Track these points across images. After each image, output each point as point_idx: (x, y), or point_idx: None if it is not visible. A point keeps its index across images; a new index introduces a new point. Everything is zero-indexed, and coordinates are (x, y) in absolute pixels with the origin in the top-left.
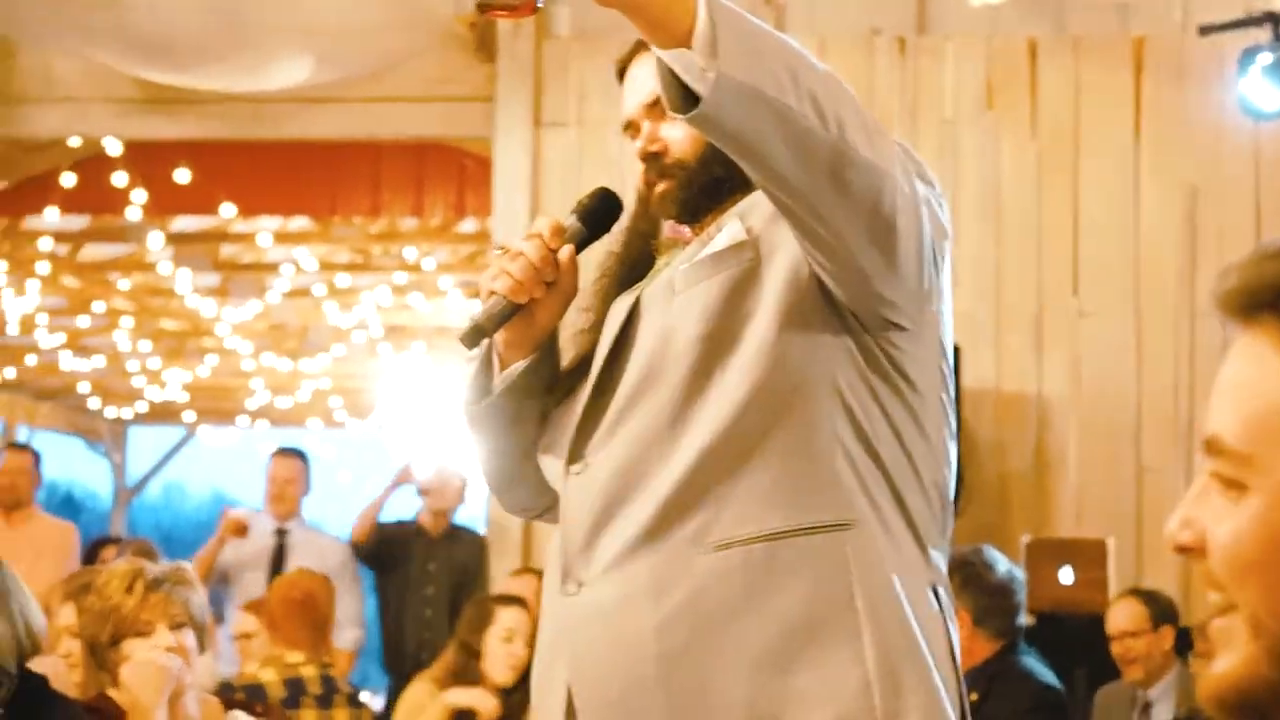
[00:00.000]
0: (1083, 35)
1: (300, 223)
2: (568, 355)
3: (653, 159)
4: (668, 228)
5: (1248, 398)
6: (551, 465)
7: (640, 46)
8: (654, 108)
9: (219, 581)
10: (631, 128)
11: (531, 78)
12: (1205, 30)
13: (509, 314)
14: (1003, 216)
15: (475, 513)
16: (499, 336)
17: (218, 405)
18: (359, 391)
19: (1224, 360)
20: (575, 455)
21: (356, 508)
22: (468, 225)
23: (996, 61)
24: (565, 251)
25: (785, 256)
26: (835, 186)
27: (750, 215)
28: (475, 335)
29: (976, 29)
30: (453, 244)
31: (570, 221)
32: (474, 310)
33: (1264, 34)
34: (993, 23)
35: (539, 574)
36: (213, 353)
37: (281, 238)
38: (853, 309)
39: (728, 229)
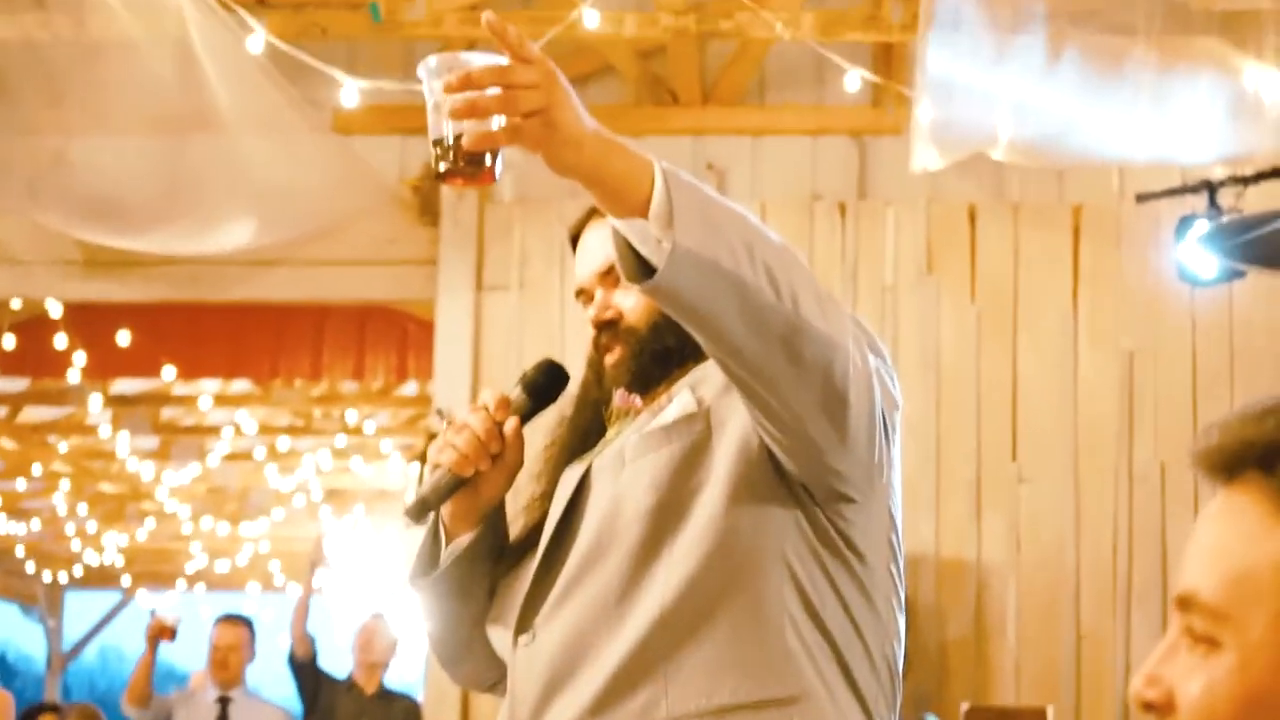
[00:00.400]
0: (1022, 201)
1: (241, 385)
2: (518, 524)
3: (606, 326)
4: (619, 396)
5: (1225, 555)
6: (500, 636)
7: (593, 213)
8: (607, 275)
9: None
10: (584, 295)
11: (474, 241)
12: (1142, 198)
13: (454, 487)
14: (942, 381)
15: (413, 678)
16: (445, 509)
17: (156, 569)
18: (299, 555)
19: (1201, 517)
20: (523, 626)
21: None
22: (409, 388)
23: (936, 226)
24: (510, 424)
25: (735, 428)
26: (788, 358)
27: (701, 386)
28: (421, 510)
29: (916, 194)
30: (394, 407)
31: (516, 394)
32: (418, 484)
33: (1200, 202)
34: (933, 188)
35: None
36: (152, 515)
37: (222, 400)
38: (803, 480)
39: (678, 400)
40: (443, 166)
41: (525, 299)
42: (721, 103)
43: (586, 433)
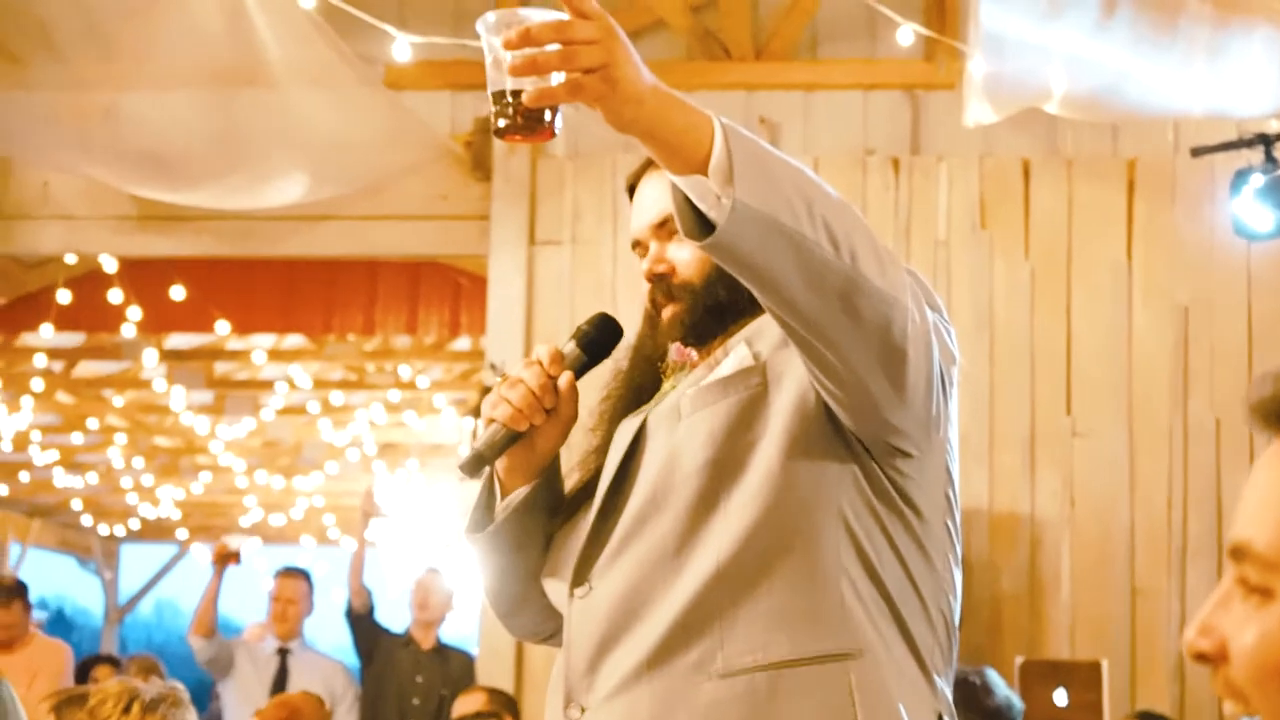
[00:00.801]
0: (1076, 156)
1: (295, 340)
2: (573, 478)
3: (659, 279)
4: (674, 350)
5: (1278, 504)
6: (556, 589)
7: (650, 164)
8: (662, 228)
9: (214, 700)
10: (639, 246)
11: (526, 196)
12: (1197, 152)
13: (509, 442)
14: (995, 336)
15: (469, 632)
16: (500, 463)
17: (211, 522)
18: (352, 509)
19: (1255, 467)
20: (580, 579)
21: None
22: (462, 343)
23: (989, 181)
24: (564, 379)
25: (792, 383)
26: (847, 314)
27: (758, 340)
28: (476, 464)
29: (969, 149)
30: (447, 362)
31: (570, 348)
32: (473, 439)
33: (1256, 156)
34: (986, 143)
35: (488, 691)
36: (206, 469)
37: (276, 355)
38: (860, 436)
39: (735, 354)
40: (502, 122)
41: (577, 254)
42: (774, 57)
43: (641, 387)
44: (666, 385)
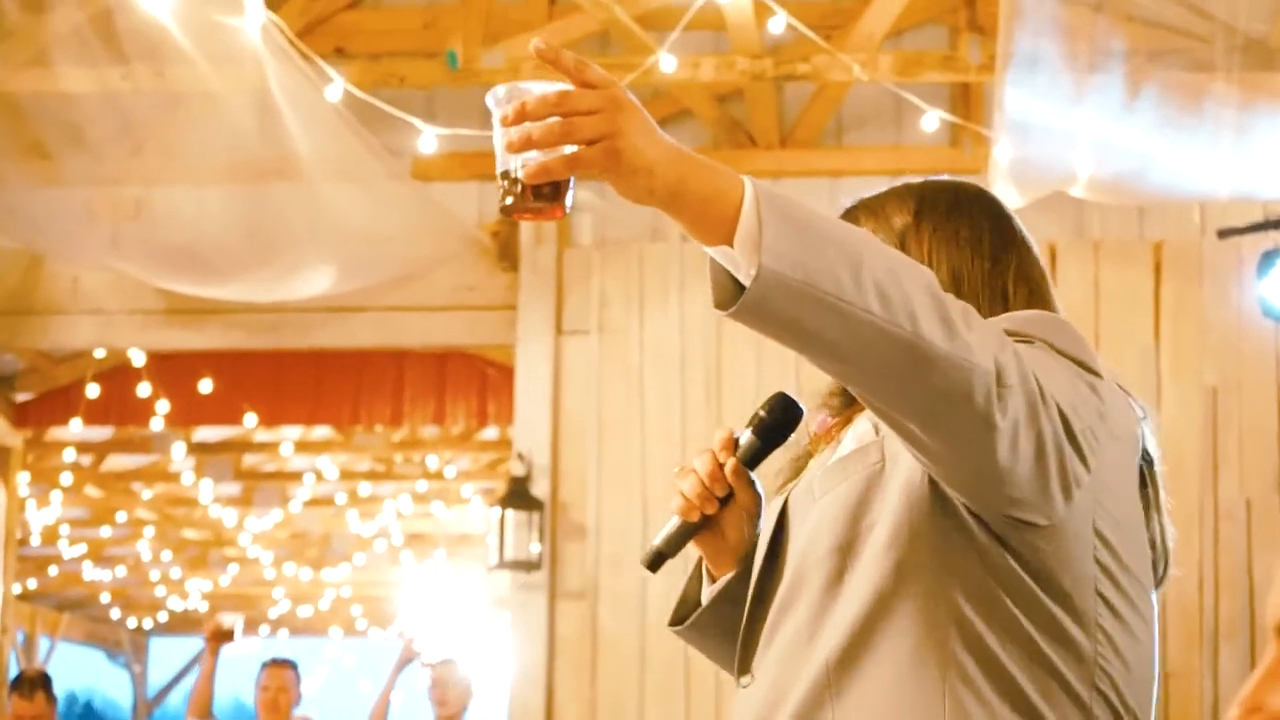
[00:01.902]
0: (1103, 239)
1: (322, 431)
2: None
3: None
4: (817, 421)
5: None
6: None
7: None
8: None
9: None
10: None
11: (553, 285)
12: (1224, 234)
13: (686, 534)
14: None
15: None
16: (706, 555)
17: (239, 614)
18: (380, 599)
19: None
20: (744, 668)
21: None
22: (489, 433)
23: None
24: (730, 464)
25: (907, 459)
26: (913, 384)
27: None
28: (656, 559)
29: None
30: (474, 452)
31: (745, 435)
32: (652, 535)
33: None
34: None
35: None
36: (234, 562)
37: (303, 446)
38: (975, 511)
39: (854, 429)
40: (508, 200)
41: (604, 342)
42: (800, 145)
43: (799, 459)
44: (813, 460)
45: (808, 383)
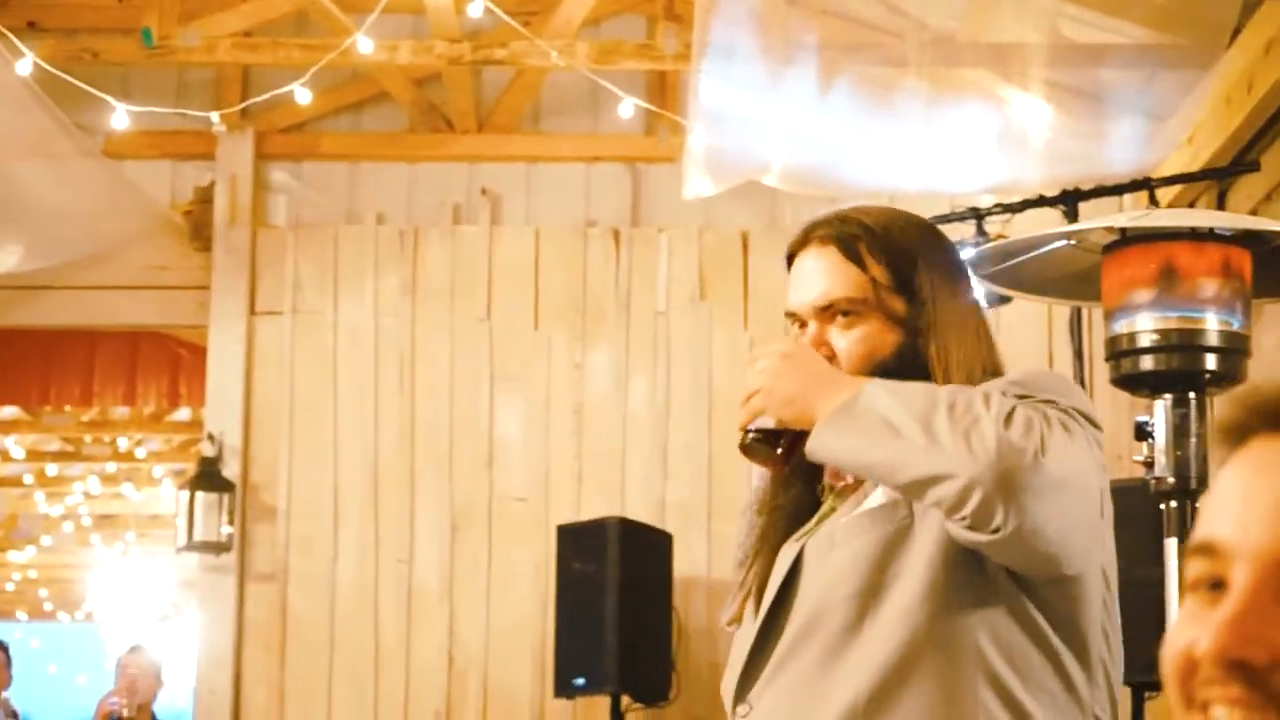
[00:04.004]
0: (794, 228)
1: (9, 411)
2: (739, 595)
3: None
4: (829, 471)
5: None
6: (727, 701)
7: (812, 235)
8: (825, 311)
9: None
10: (795, 319)
11: (247, 266)
12: None
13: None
14: (714, 406)
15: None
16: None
17: None
18: (69, 582)
19: (1243, 471)
20: (741, 697)
21: (64, 700)
22: (181, 414)
23: (709, 253)
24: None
25: (937, 517)
26: (926, 497)
27: None
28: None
29: (690, 221)
30: (165, 433)
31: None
32: None
33: (968, 229)
34: (706, 215)
35: None
36: None
37: None
38: (1007, 568)
39: (883, 485)
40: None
41: (298, 324)
42: (497, 130)
43: (801, 503)
44: (825, 507)
45: (499, 359)
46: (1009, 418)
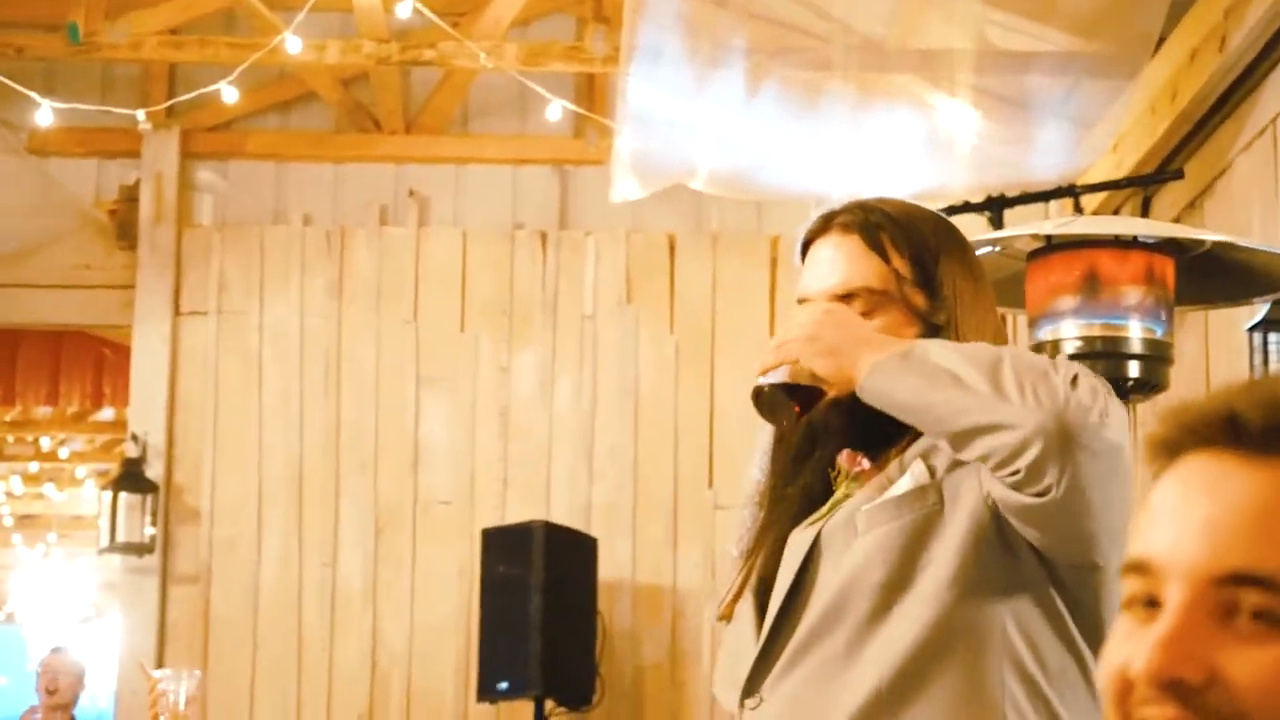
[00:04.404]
0: (721, 232)
1: None
2: (738, 579)
3: None
4: (844, 457)
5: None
6: (727, 696)
7: (831, 222)
8: (844, 299)
9: None
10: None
11: (172, 266)
12: None
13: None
14: (640, 409)
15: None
16: None
17: None
18: None
19: (1171, 489)
20: (751, 689)
21: None
22: (105, 414)
23: (636, 256)
24: None
25: (968, 502)
26: (975, 448)
27: (934, 455)
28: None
29: (618, 224)
30: (89, 433)
31: None
32: None
33: None
34: (633, 218)
35: None
36: None
37: None
38: (1038, 552)
39: (911, 471)
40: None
41: (223, 324)
42: (425, 131)
43: (810, 489)
44: (839, 493)
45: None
46: (1075, 380)
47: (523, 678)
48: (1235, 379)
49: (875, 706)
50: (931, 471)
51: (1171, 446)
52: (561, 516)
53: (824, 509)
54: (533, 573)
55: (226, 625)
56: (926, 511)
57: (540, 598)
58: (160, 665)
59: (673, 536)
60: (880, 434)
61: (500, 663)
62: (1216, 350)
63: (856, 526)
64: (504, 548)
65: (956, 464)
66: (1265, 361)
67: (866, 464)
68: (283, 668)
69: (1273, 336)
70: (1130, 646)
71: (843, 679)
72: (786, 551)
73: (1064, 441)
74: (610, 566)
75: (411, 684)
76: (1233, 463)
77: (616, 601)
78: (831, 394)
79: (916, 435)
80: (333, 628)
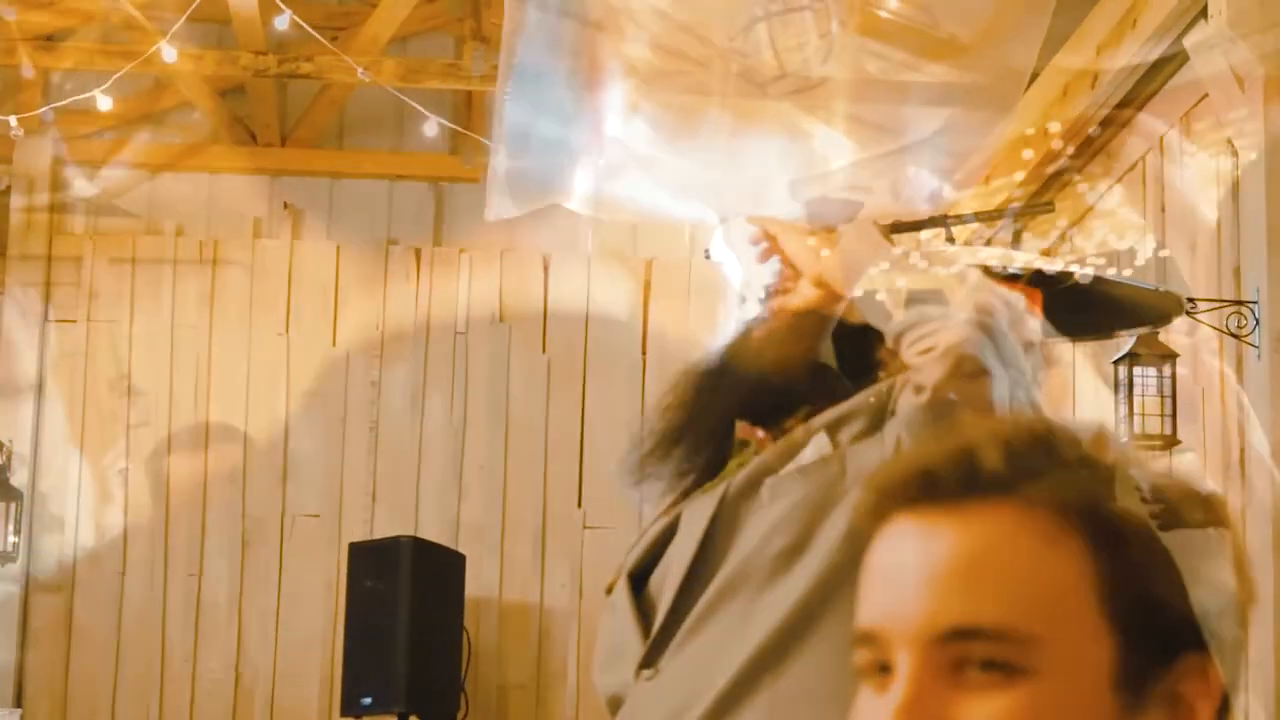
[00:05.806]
0: (595, 253)
1: None
2: (639, 546)
3: None
4: (740, 427)
5: (1014, 580)
6: (606, 680)
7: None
8: None
9: None
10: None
11: (43, 273)
12: (710, 254)
13: None
14: (511, 428)
15: None
16: None
17: None
18: None
19: (891, 550)
20: (649, 661)
21: None
22: None
23: (510, 275)
24: None
25: (871, 470)
26: None
27: (840, 429)
28: None
29: (492, 242)
30: None
31: None
32: None
33: None
34: (508, 237)
35: None
36: None
37: None
38: None
39: (815, 443)
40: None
41: (93, 333)
42: (301, 144)
43: (711, 460)
44: (732, 464)
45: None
46: None
47: (388, 694)
48: (934, 439)
49: (759, 660)
50: (836, 444)
51: (876, 513)
52: (430, 532)
53: (718, 480)
54: (400, 588)
55: (89, 636)
56: (828, 481)
57: (407, 614)
58: (20, 674)
59: (540, 555)
60: (779, 405)
61: (365, 678)
62: (1084, 383)
63: (762, 497)
64: (371, 563)
65: (861, 436)
66: (1130, 394)
67: (760, 435)
68: (145, 680)
69: (1137, 370)
70: (872, 717)
71: (738, 639)
72: (683, 523)
73: None
74: (478, 584)
75: (275, 698)
76: (936, 517)
77: (483, 619)
78: None
79: (815, 408)
80: (197, 641)
